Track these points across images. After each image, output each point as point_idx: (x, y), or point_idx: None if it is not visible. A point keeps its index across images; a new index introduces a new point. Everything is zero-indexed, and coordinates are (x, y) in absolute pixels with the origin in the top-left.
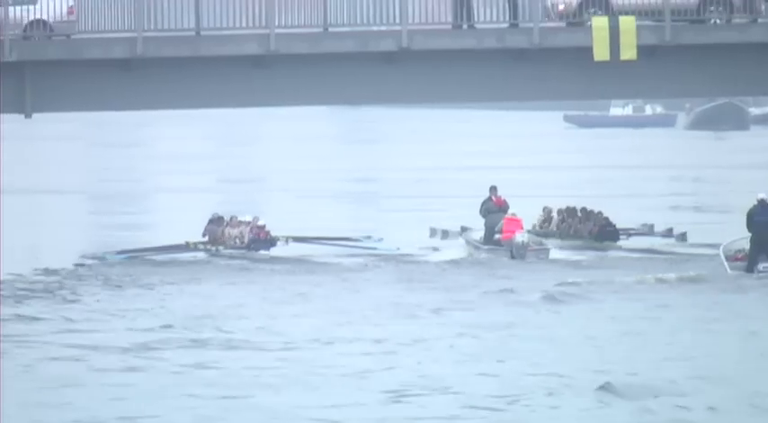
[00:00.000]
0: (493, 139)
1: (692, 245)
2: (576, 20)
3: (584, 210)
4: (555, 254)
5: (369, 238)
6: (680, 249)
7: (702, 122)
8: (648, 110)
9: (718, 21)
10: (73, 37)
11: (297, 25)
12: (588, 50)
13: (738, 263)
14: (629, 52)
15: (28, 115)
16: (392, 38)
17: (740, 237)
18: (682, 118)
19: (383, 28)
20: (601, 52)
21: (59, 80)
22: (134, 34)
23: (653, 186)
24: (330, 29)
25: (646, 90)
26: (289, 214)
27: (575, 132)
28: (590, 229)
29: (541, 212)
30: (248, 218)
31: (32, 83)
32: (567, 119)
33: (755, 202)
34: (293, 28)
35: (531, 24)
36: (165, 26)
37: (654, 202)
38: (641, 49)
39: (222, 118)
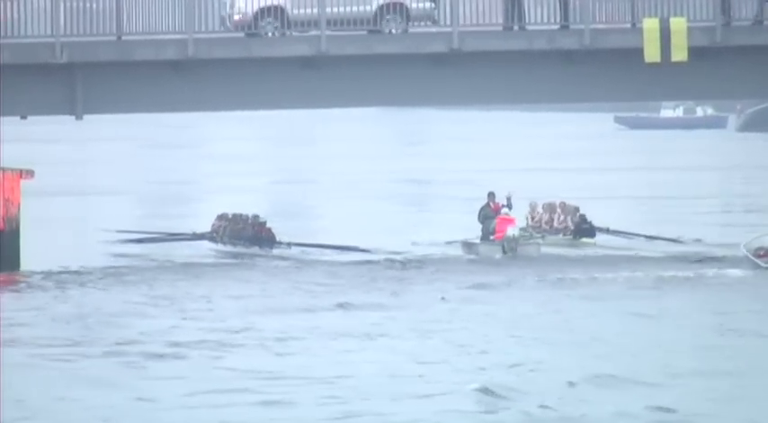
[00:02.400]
0: (543, 140)
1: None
2: (252, 31)
3: (563, 205)
4: (543, 249)
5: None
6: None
7: (753, 124)
8: (699, 111)
9: (393, 31)
10: (123, 38)
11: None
12: (639, 52)
13: (762, 260)
14: (679, 53)
15: (79, 117)
16: (443, 39)
17: (760, 234)
18: (733, 120)
19: (434, 29)
20: (652, 53)
21: (110, 82)
22: (185, 36)
23: (704, 188)
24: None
25: (696, 91)
26: (320, 217)
27: (625, 134)
28: (567, 226)
29: (528, 208)
30: (249, 214)
31: (83, 84)
32: (618, 120)
33: None
34: (343, 30)
35: (582, 26)
36: (217, 27)
37: (705, 203)
38: (692, 51)
39: (275, 119)
